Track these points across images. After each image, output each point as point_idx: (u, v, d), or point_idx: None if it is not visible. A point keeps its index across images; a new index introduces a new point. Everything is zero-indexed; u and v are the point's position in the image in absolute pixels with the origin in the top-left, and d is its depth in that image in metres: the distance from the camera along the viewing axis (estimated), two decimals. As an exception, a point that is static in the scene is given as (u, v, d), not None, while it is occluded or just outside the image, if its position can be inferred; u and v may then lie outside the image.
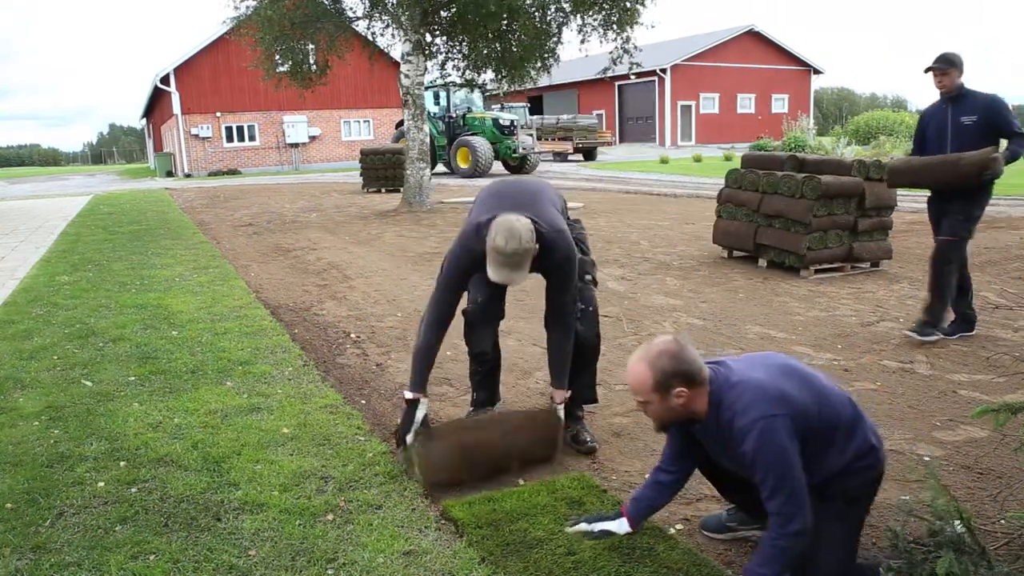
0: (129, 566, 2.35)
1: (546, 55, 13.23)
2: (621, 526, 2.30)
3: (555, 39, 13.16)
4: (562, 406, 3.12)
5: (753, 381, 2.10)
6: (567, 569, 2.29)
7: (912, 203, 11.79)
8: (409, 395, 2.97)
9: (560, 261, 2.98)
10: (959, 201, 4.55)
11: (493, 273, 2.83)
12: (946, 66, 4.44)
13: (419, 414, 2.93)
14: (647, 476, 2.45)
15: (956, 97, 4.51)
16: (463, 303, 3.22)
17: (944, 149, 4.55)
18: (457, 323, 3.19)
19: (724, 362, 2.20)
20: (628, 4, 12.22)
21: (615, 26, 12.41)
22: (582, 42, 12.88)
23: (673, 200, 13.61)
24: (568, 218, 3.28)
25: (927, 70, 4.52)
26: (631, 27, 12.39)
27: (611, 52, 13.00)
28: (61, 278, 7.28)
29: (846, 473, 2.16)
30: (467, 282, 3.10)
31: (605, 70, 13.47)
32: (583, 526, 2.32)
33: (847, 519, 2.19)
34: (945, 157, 4.54)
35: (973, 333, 4.75)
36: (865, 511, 2.26)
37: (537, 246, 2.85)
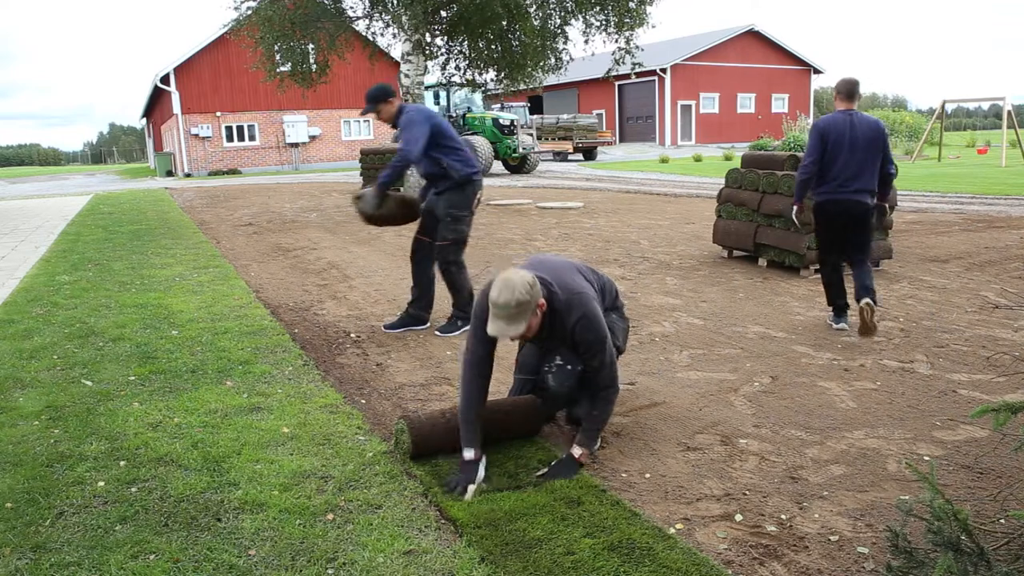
0: (129, 566, 2.35)
1: (551, 56, 13.20)
2: None
3: (562, 40, 13.14)
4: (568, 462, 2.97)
5: None
6: (566, 569, 2.29)
7: (912, 203, 11.79)
8: (469, 455, 2.88)
9: (579, 321, 2.97)
10: (440, 204, 4.93)
11: (489, 326, 2.87)
12: (371, 107, 4.78)
13: (480, 472, 2.86)
14: None
15: (395, 125, 4.84)
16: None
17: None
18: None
19: None
20: (633, 4, 12.21)
21: (618, 27, 12.41)
22: (586, 42, 12.88)
23: (673, 200, 13.61)
24: (614, 300, 3.40)
25: (363, 112, 4.88)
26: (639, 27, 12.39)
27: (613, 53, 13.00)
28: (61, 278, 7.28)
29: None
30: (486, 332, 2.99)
31: (608, 71, 13.45)
32: None
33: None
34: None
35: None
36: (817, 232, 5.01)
37: (537, 300, 2.86)
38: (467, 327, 4.86)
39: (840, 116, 4.76)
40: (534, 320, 2.91)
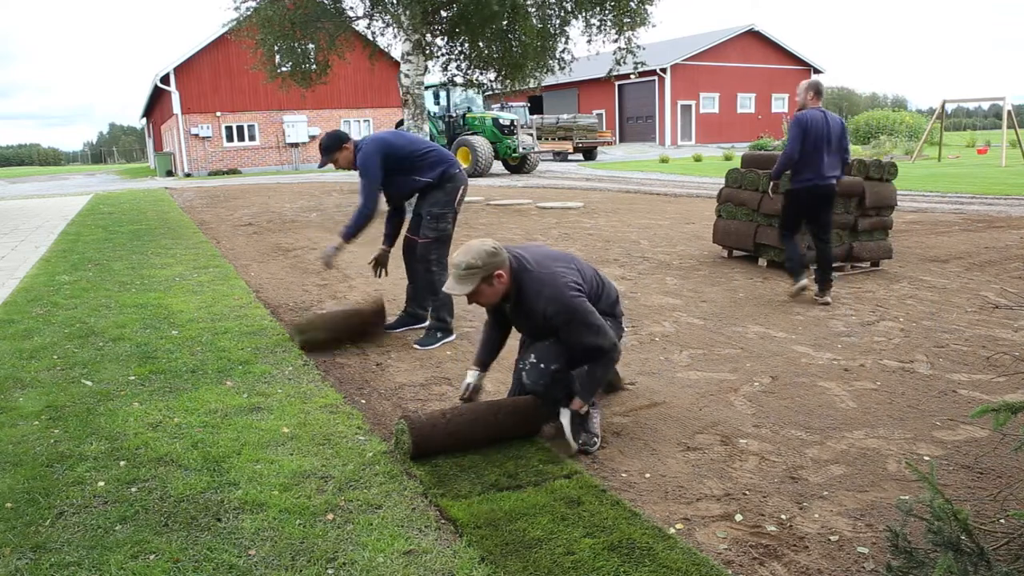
0: (129, 566, 2.35)
1: (551, 57, 13.17)
2: None
3: (563, 40, 13.11)
4: (568, 414, 3.13)
5: None
6: (566, 569, 2.29)
7: (912, 203, 11.79)
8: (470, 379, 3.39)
9: (547, 297, 3.04)
10: (423, 204, 4.93)
11: (446, 283, 3.08)
12: (327, 158, 4.82)
13: (469, 378, 3.37)
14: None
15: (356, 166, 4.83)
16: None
17: None
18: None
19: None
20: (634, 4, 12.20)
21: (619, 27, 12.39)
22: (589, 42, 12.86)
23: (673, 200, 13.61)
24: (612, 305, 3.39)
25: (320, 165, 4.98)
26: (641, 27, 12.37)
27: (614, 53, 12.99)
28: (61, 278, 7.28)
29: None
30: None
31: (610, 71, 13.43)
32: None
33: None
34: None
35: (419, 326, 5.18)
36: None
37: (492, 270, 2.99)
38: (447, 338, 4.86)
39: (818, 113, 5.45)
40: (488, 288, 3.03)
